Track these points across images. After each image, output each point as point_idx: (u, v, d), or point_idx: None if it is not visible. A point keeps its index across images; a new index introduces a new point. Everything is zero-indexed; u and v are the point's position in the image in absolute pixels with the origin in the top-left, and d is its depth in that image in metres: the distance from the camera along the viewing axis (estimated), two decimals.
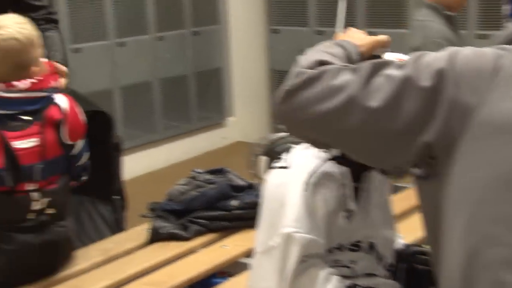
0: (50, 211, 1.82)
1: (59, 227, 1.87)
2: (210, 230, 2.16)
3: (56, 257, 1.91)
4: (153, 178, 4.31)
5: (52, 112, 1.79)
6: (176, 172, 4.34)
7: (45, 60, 1.87)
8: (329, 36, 4.02)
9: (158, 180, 4.27)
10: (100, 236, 3.19)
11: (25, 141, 1.73)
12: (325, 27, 4.22)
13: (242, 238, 2.09)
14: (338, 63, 1.09)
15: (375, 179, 1.41)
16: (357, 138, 1.04)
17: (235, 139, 5.00)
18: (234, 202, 2.15)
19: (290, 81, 1.07)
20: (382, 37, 1.29)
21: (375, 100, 0.99)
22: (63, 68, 1.98)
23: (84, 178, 1.96)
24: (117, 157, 3.52)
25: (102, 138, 3.41)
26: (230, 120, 4.98)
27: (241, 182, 2.22)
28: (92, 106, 3.43)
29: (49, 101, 1.79)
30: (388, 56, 1.32)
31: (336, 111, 1.02)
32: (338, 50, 1.16)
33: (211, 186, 2.20)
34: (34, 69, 1.75)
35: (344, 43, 1.20)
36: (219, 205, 2.16)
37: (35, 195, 1.78)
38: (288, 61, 4.68)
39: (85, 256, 2.04)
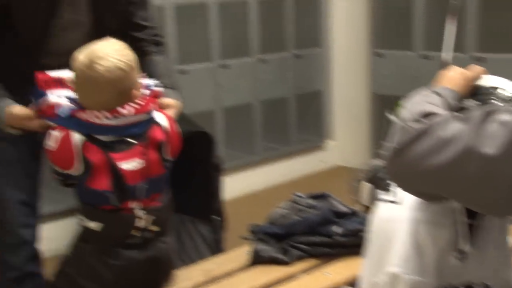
0: (154, 228, 1.86)
1: (161, 244, 1.91)
2: (311, 256, 2.14)
3: (159, 273, 1.94)
4: (251, 200, 4.33)
5: (155, 133, 1.83)
6: (275, 194, 4.34)
7: (147, 81, 1.89)
8: (436, 60, 3.96)
9: (256, 201, 4.29)
10: (200, 256, 3.23)
11: (130, 161, 1.77)
12: (431, 51, 4.11)
13: (344, 266, 2.05)
14: (440, 112, 1.07)
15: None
16: (476, 188, 1.00)
17: (334, 163, 4.95)
18: (336, 229, 2.12)
19: (399, 138, 1.05)
20: (476, 71, 1.25)
21: (492, 147, 0.96)
22: (171, 101, 1.99)
23: None
24: (217, 177, 3.57)
25: (203, 158, 3.47)
26: (330, 143, 4.95)
27: (343, 208, 2.19)
28: (195, 126, 3.50)
29: (152, 121, 1.83)
30: (487, 79, 1.28)
31: (451, 163, 1.00)
32: (435, 99, 1.14)
33: (313, 211, 2.18)
34: (135, 92, 1.77)
35: (440, 90, 1.18)
36: (321, 231, 2.14)
37: (139, 212, 1.82)
38: (392, 85, 4.67)
39: (187, 275, 2.06)
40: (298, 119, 4.66)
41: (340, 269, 2.05)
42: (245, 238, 2.41)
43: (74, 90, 1.77)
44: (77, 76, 1.75)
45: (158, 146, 1.83)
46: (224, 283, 2.03)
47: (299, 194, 2.29)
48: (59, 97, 1.81)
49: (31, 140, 2.01)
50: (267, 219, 2.33)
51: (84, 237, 1.85)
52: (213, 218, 3.45)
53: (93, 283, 1.84)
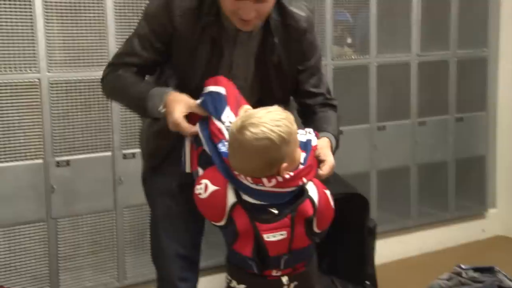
0: None
1: None
2: None
3: None
4: (405, 266, 4.19)
5: (306, 207, 1.75)
6: (430, 262, 4.19)
7: (304, 137, 1.85)
8: None
9: (410, 268, 4.15)
10: None
11: (275, 234, 1.72)
12: None
13: None
14: None
15: None
16: None
17: (496, 233, 4.69)
18: None
19: None
20: None
21: None
22: (327, 157, 1.91)
23: None
24: (370, 240, 3.50)
25: (357, 220, 3.42)
26: (491, 212, 4.70)
27: None
28: (349, 188, 3.47)
29: (303, 195, 1.76)
30: None
31: None
32: None
33: (478, 285, 2.05)
34: (285, 166, 1.71)
35: None
36: None
37: (284, 279, 1.80)
38: None
39: None
40: (458, 185, 4.48)
41: None
42: None
43: (228, 153, 1.76)
44: (230, 138, 1.75)
45: (307, 220, 1.76)
46: None
47: (462, 265, 2.17)
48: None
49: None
50: None
51: None
52: (366, 283, 3.37)
53: None
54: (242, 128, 1.69)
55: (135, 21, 3.18)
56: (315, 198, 1.76)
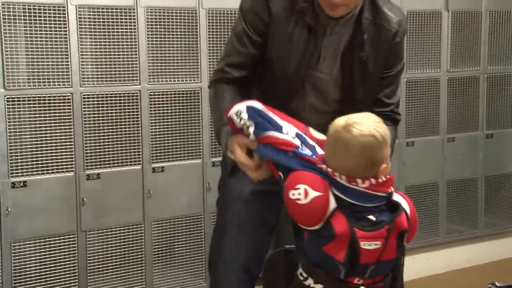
0: None
1: None
2: None
3: None
4: (432, 283, 4.14)
5: (402, 220, 1.75)
6: (458, 280, 4.13)
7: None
8: None
9: (437, 285, 4.10)
10: None
11: (371, 243, 1.71)
12: None
13: None
14: None
15: None
16: None
17: None
18: None
19: None
20: None
21: None
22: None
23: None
24: (400, 257, 3.47)
25: None
26: None
27: None
28: None
29: (398, 208, 1.76)
30: None
31: None
32: None
33: None
34: (383, 166, 1.74)
35: None
36: None
37: None
38: None
39: None
40: (487, 202, 4.43)
41: None
42: None
43: (325, 151, 1.79)
44: (331, 136, 1.77)
45: (400, 234, 1.76)
46: None
47: (497, 283, 2.13)
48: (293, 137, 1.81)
49: (267, 205, 1.98)
50: None
51: None
52: None
53: None
54: (347, 126, 1.73)
55: (166, 35, 3.23)
56: (408, 211, 1.78)
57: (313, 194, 1.70)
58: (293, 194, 1.72)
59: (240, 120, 1.86)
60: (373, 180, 1.72)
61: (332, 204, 1.71)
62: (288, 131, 1.84)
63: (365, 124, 1.73)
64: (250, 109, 1.87)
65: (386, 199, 1.75)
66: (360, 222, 1.71)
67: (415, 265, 4.12)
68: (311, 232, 1.74)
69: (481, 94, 4.32)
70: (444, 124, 4.20)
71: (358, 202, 1.73)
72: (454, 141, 4.24)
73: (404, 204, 1.78)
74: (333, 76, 2.06)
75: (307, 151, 1.80)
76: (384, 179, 1.73)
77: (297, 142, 1.82)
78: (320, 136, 1.87)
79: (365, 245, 1.70)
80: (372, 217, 1.72)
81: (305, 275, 1.80)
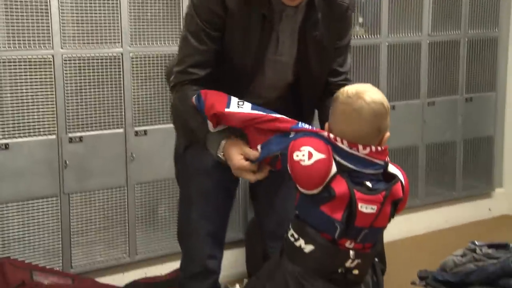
0: (355, 271, 1.84)
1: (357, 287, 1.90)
2: None
3: None
4: (412, 244, 4.21)
5: (398, 189, 1.82)
6: (436, 241, 4.20)
7: None
8: None
9: (417, 246, 4.17)
10: None
11: (368, 206, 1.75)
12: None
13: None
14: None
15: None
16: None
17: (502, 212, 4.70)
18: None
19: None
20: None
21: None
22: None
23: None
24: None
25: None
26: (498, 191, 4.71)
27: None
28: None
29: (396, 178, 1.82)
30: None
31: None
32: None
33: (492, 261, 2.06)
34: (388, 134, 1.81)
35: None
36: (500, 283, 2.01)
37: (351, 253, 1.81)
38: None
39: None
40: (465, 164, 4.49)
41: None
42: (414, 284, 2.34)
43: (332, 119, 1.82)
44: (342, 103, 1.80)
45: (394, 203, 1.82)
46: None
47: (476, 242, 2.17)
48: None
49: (227, 173, 2.00)
50: (439, 265, 2.24)
51: (291, 255, 1.86)
52: (375, 261, 3.38)
53: None
54: (358, 93, 1.78)
55: None
56: (404, 183, 1.84)
57: (317, 156, 1.74)
58: (297, 155, 1.76)
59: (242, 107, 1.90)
60: (373, 148, 1.76)
61: (334, 168, 1.75)
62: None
63: (375, 92, 1.80)
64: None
65: (382, 167, 1.80)
66: (358, 187, 1.75)
67: (395, 227, 4.15)
68: (308, 194, 1.77)
69: (461, 58, 4.35)
70: (424, 88, 4.22)
71: (357, 168, 1.77)
72: (434, 105, 4.28)
73: (400, 175, 1.84)
74: (293, 57, 2.09)
75: (306, 126, 1.85)
76: (381, 149, 1.78)
77: (293, 120, 1.87)
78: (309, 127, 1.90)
79: (362, 207, 1.74)
80: (369, 184, 1.76)
81: (296, 236, 1.82)
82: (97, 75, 3.14)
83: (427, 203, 4.38)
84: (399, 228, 4.21)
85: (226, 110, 1.90)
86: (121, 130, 3.24)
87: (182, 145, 2.22)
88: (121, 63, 3.19)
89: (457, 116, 4.39)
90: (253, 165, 1.89)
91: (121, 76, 3.20)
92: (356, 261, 1.81)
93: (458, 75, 4.36)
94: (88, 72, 3.12)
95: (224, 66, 2.06)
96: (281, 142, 1.83)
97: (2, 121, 2.96)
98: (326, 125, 1.84)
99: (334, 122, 1.82)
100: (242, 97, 1.96)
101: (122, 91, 3.21)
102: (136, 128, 3.27)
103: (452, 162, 4.45)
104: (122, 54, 3.19)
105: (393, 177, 1.82)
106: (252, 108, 1.91)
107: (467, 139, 4.48)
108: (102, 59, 3.14)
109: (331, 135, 1.78)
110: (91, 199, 3.22)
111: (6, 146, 2.97)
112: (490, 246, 2.15)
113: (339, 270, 1.81)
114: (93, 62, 3.12)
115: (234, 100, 1.93)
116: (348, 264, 1.81)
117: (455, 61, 4.34)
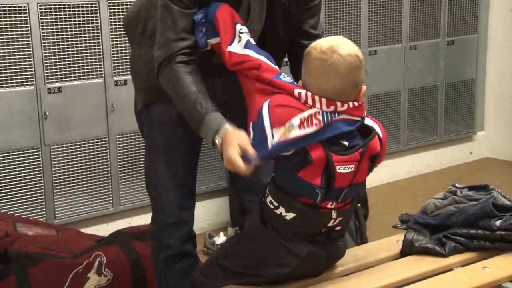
0: (338, 228, 1.86)
1: (341, 242, 1.92)
2: (469, 249, 2.05)
3: (331, 265, 1.96)
4: (394, 189, 4.25)
5: (375, 144, 1.79)
6: (419, 185, 4.25)
7: None
8: None
9: (399, 191, 4.21)
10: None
11: (346, 166, 1.74)
12: None
13: (505, 261, 1.94)
14: None
15: None
16: None
17: (484, 155, 4.75)
18: (497, 222, 2.01)
19: None
20: None
21: None
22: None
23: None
24: None
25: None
26: (480, 134, 4.74)
27: (507, 202, 2.07)
28: None
29: (373, 132, 1.79)
30: None
31: None
32: None
33: (472, 202, 2.08)
34: (364, 88, 1.77)
35: None
36: (480, 224, 2.04)
37: (334, 213, 1.81)
38: None
39: (339, 261, 2.04)
40: (447, 108, 4.51)
41: (501, 264, 1.94)
42: (396, 227, 2.36)
43: (307, 76, 1.77)
44: (315, 59, 1.75)
45: (372, 158, 1.80)
46: (377, 270, 1.99)
47: (457, 185, 2.19)
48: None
49: None
50: (420, 208, 2.26)
51: (271, 222, 1.84)
52: (357, 206, 3.42)
53: (268, 267, 1.85)
54: (332, 47, 1.74)
55: None
56: (381, 135, 1.81)
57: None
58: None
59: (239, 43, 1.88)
60: (350, 104, 1.72)
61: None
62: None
63: (348, 44, 1.75)
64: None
65: (360, 123, 1.77)
66: (334, 147, 1.72)
67: (377, 173, 4.17)
68: (285, 159, 1.75)
69: (443, 0, 4.32)
70: (406, 32, 4.20)
71: (335, 131, 1.72)
72: (416, 49, 4.26)
73: (377, 128, 1.81)
74: (262, 24, 2.04)
75: (287, 78, 1.80)
76: (358, 104, 1.75)
77: (277, 68, 1.84)
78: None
79: (340, 168, 1.72)
80: (345, 143, 1.74)
81: (275, 203, 1.81)
82: (74, 24, 3.09)
83: (409, 148, 4.41)
84: (381, 174, 4.25)
85: (229, 48, 1.87)
86: (100, 80, 3.21)
87: (145, 99, 2.17)
88: (98, 11, 3.13)
89: (439, 59, 4.39)
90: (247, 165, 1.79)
91: (99, 25, 3.15)
92: (338, 219, 1.82)
93: (440, 18, 4.33)
94: (65, 21, 3.06)
95: None
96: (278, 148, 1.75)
97: None
98: (300, 83, 1.80)
99: (309, 79, 1.77)
100: (211, 64, 1.94)
101: (101, 40, 3.17)
102: (116, 78, 3.24)
103: (434, 107, 4.47)
104: (98, 2, 3.13)
105: (370, 130, 1.78)
106: (246, 46, 1.87)
107: (449, 82, 4.49)
108: (79, 7, 3.08)
109: (309, 93, 1.73)
110: (73, 150, 3.20)
111: None
112: (470, 188, 2.16)
113: (323, 231, 1.82)
114: (70, 11, 3.06)
115: (237, 29, 1.89)
116: (330, 224, 1.81)
117: (436, 3, 4.31)
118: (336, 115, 1.72)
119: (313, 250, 1.82)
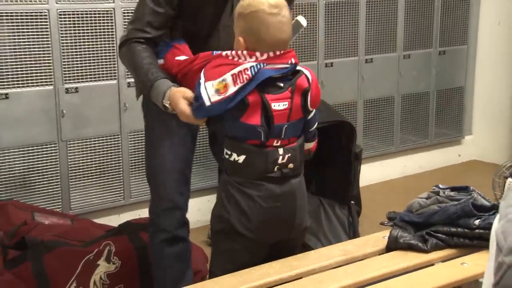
0: (290, 165, 1.93)
1: (296, 179, 1.98)
2: (449, 246, 2.06)
3: (294, 205, 1.99)
4: (386, 188, 4.26)
5: (302, 81, 1.92)
6: (409, 185, 4.25)
7: None
8: None
9: (391, 190, 4.22)
10: (336, 238, 3.22)
11: (280, 103, 1.87)
12: None
13: (482, 258, 1.96)
14: None
15: None
16: None
17: (471, 158, 4.75)
18: (476, 221, 2.02)
19: None
20: None
21: None
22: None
23: (313, 142, 2.07)
24: (356, 165, 3.54)
25: (345, 146, 3.45)
26: (468, 138, 4.75)
27: (485, 203, 2.08)
28: (338, 116, 3.49)
29: (300, 72, 1.92)
30: None
31: None
32: None
33: (454, 202, 2.09)
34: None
35: None
36: (460, 223, 2.05)
37: (280, 150, 1.91)
38: None
39: (327, 254, 2.06)
40: (438, 114, 4.52)
41: (478, 260, 1.96)
42: (383, 224, 2.38)
43: (250, 32, 1.88)
44: (266, 14, 1.86)
45: (303, 93, 1.92)
46: (363, 264, 2.01)
47: (440, 185, 2.21)
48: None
49: None
50: (406, 207, 2.27)
51: (229, 171, 1.94)
52: (351, 203, 3.43)
53: (237, 212, 1.92)
54: (278, 4, 1.87)
55: None
56: (309, 76, 1.94)
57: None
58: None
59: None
60: (271, 53, 1.86)
61: None
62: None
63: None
64: None
65: (290, 69, 1.89)
66: (269, 89, 1.86)
67: (371, 172, 4.22)
68: (227, 111, 1.86)
69: (435, 13, 4.33)
70: (400, 42, 4.21)
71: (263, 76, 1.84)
72: (410, 58, 4.27)
73: (305, 71, 1.94)
74: None
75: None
76: (281, 53, 1.87)
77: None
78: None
79: (275, 106, 1.87)
80: (280, 84, 1.88)
81: (229, 152, 1.93)
82: (90, 29, 3.11)
83: (401, 150, 4.42)
84: (375, 173, 4.26)
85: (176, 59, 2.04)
86: (114, 82, 3.23)
87: (139, 93, 2.21)
88: (113, 18, 3.16)
89: (431, 68, 4.40)
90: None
91: (114, 30, 3.17)
92: (286, 156, 1.91)
93: (432, 29, 4.34)
94: (82, 27, 3.09)
95: (179, 31, 2.10)
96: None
97: (1, 72, 2.94)
98: (241, 39, 1.89)
99: (253, 34, 1.87)
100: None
101: (115, 45, 3.19)
102: (129, 80, 3.26)
103: (426, 112, 4.47)
104: (114, 9, 3.15)
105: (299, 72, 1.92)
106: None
107: (440, 90, 4.50)
108: (95, 13, 3.11)
109: (233, 52, 1.86)
110: (88, 146, 3.23)
111: (6, 96, 2.96)
112: (452, 189, 2.18)
113: (275, 169, 1.90)
114: (87, 17, 3.09)
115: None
116: (280, 160, 1.90)
117: (429, 16, 4.32)
118: (263, 65, 1.84)
119: (269, 188, 1.91)
